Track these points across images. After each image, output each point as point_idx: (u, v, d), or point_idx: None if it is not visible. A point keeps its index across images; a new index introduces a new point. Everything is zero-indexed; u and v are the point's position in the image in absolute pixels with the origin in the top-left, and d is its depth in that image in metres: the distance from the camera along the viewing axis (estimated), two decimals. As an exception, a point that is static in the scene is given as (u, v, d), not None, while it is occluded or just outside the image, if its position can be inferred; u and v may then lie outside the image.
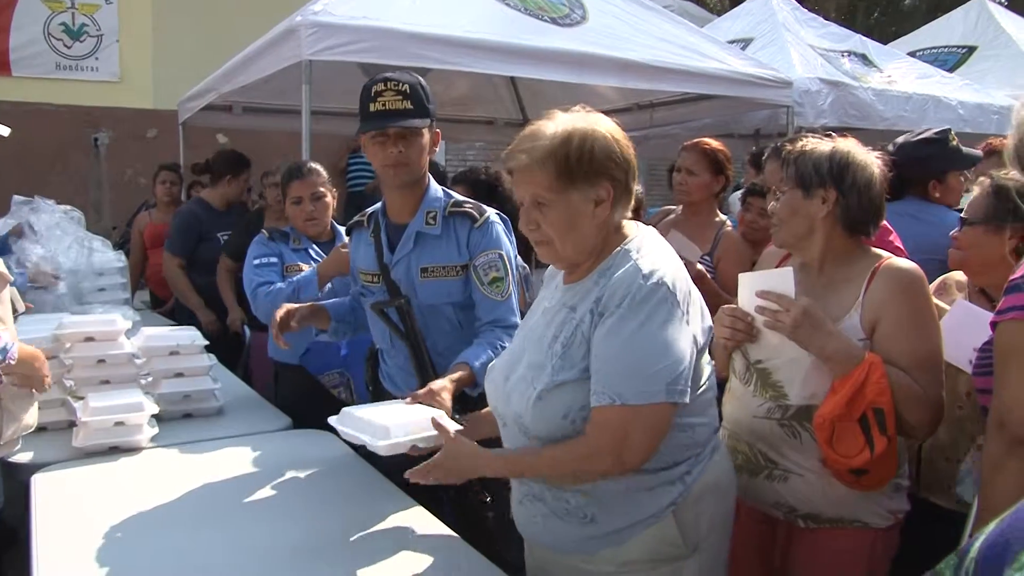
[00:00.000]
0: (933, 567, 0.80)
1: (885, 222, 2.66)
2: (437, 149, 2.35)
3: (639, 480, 1.61)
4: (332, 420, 1.89)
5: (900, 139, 3.29)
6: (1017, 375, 1.54)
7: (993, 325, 1.64)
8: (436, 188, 2.39)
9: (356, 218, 2.50)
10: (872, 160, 1.94)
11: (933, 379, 1.85)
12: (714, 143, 3.45)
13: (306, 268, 3.14)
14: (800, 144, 1.99)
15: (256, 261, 3.12)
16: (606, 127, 1.61)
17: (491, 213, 2.37)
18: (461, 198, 2.41)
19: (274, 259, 3.14)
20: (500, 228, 2.37)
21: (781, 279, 1.88)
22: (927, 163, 3.14)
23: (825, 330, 1.80)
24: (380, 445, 1.76)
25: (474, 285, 2.32)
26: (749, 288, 1.94)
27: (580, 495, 1.62)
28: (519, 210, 3.10)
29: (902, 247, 2.58)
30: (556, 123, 1.60)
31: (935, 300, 2.31)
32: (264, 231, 3.28)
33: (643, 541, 1.63)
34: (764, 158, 2.89)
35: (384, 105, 2.22)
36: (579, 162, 1.56)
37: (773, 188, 2.04)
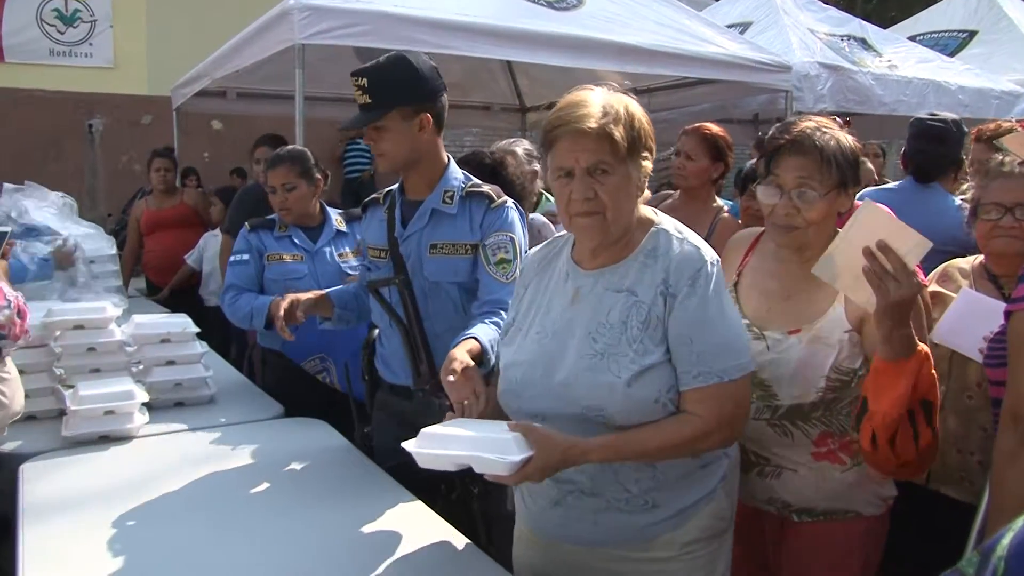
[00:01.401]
0: (950, 562, 0.77)
1: (888, 209, 2.59)
2: (427, 131, 2.26)
3: (697, 458, 1.64)
4: (412, 447, 1.54)
5: (934, 116, 3.25)
6: None
7: (1007, 315, 1.60)
8: (455, 169, 2.36)
9: (373, 196, 2.49)
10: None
11: None
12: (715, 128, 3.41)
13: (287, 257, 3.16)
14: (825, 134, 1.81)
15: (232, 258, 3.17)
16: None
17: (509, 200, 2.35)
18: (479, 181, 2.38)
19: (246, 256, 3.15)
20: (516, 215, 2.34)
21: (916, 246, 1.60)
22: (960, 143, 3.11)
23: (908, 321, 1.62)
24: (513, 461, 1.45)
25: (480, 264, 2.29)
26: (872, 225, 1.63)
27: (644, 481, 1.61)
28: (523, 195, 3.10)
29: None
30: (609, 96, 1.58)
31: (939, 288, 2.27)
32: (247, 223, 3.26)
33: (700, 519, 1.65)
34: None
35: (357, 101, 2.22)
36: (639, 133, 1.57)
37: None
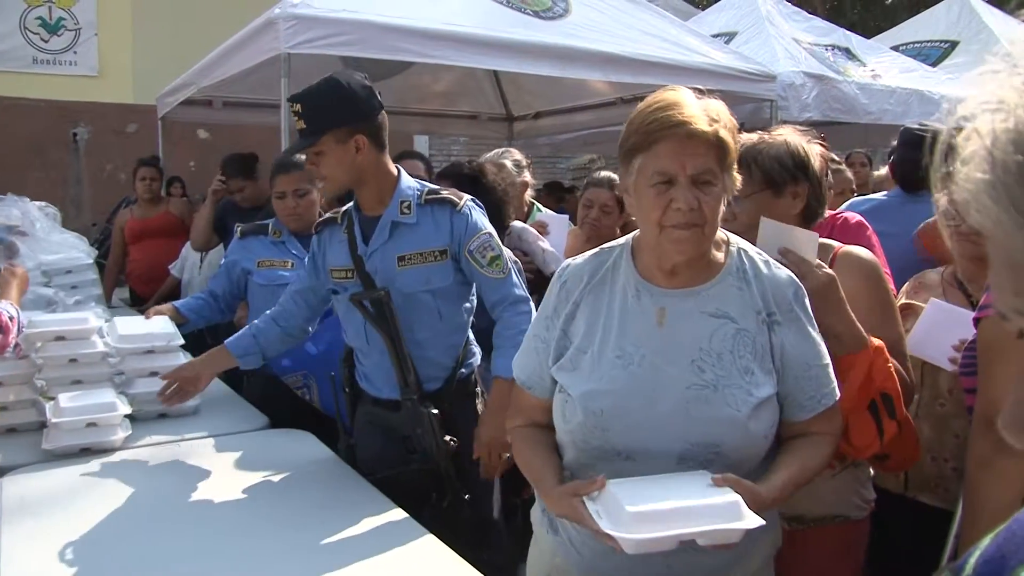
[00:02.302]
0: (928, 568, 0.77)
1: (862, 218, 2.64)
2: (364, 151, 2.22)
3: None
4: (618, 533, 1.29)
5: (923, 125, 3.29)
6: (1004, 370, 1.52)
7: (976, 322, 1.62)
8: (408, 178, 2.36)
9: (328, 215, 2.46)
10: (814, 146, 1.94)
11: (904, 362, 1.86)
12: None
13: (277, 264, 3.15)
14: (748, 142, 1.91)
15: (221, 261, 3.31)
16: None
17: (468, 198, 2.36)
18: (435, 186, 2.39)
19: (222, 261, 3.32)
20: (479, 211, 2.36)
21: (806, 241, 1.73)
22: None
23: (844, 309, 1.70)
24: (761, 524, 1.31)
25: (473, 270, 2.30)
26: (772, 237, 1.75)
27: None
28: (504, 201, 3.11)
29: (878, 244, 2.55)
30: (706, 99, 1.46)
31: (910, 300, 2.31)
32: (238, 230, 3.25)
33: (762, 548, 1.58)
34: None
35: (296, 127, 2.22)
36: (737, 143, 1.47)
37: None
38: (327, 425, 2.72)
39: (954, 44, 8.22)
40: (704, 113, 1.41)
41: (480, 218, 2.34)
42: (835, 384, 1.54)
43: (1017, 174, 0.42)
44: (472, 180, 3.07)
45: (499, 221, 3.12)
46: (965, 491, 1.63)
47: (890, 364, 1.70)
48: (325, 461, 2.42)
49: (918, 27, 8.82)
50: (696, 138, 1.39)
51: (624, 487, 1.37)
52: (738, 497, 1.33)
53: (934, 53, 8.18)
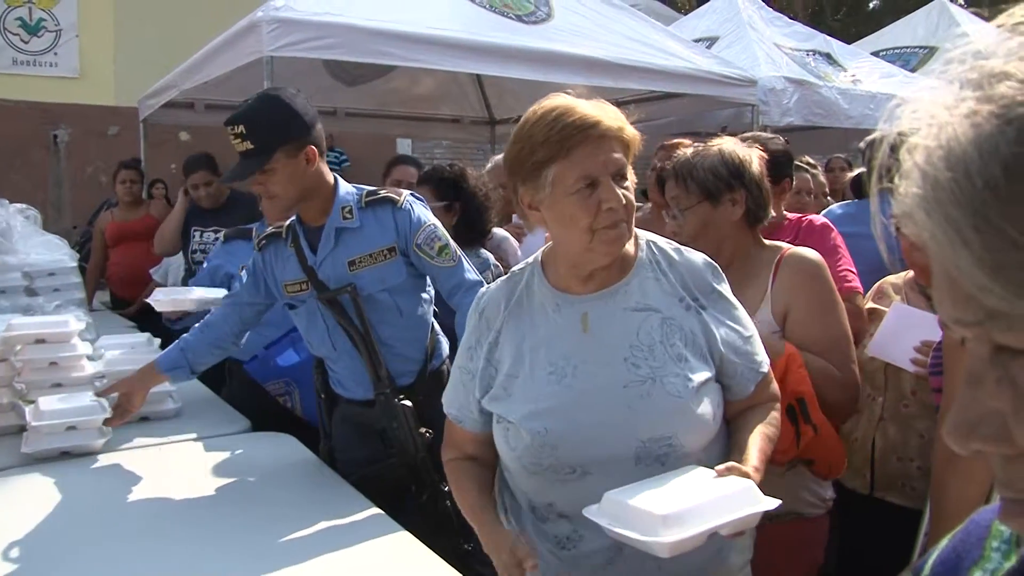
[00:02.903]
0: (897, 567, 0.79)
1: (827, 220, 2.68)
2: (314, 163, 2.22)
3: None
4: (656, 539, 1.23)
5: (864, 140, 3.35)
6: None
7: (943, 324, 1.65)
8: (345, 185, 2.36)
9: (271, 230, 2.43)
10: (753, 152, 1.99)
11: (847, 360, 1.90)
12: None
13: None
14: (684, 156, 1.99)
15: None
16: None
17: (408, 193, 2.37)
18: (373, 188, 2.39)
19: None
20: (421, 204, 2.37)
21: None
22: None
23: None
24: (777, 502, 1.34)
25: (424, 263, 2.31)
26: None
27: None
28: (486, 205, 3.11)
29: (842, 245, 2.59)
30: (595, 101, 1.47)
31: (875, 304, 2.35)
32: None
33: (743, 540, 1.55)
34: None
35: (237, 149, 2.18)
36: (637, 140, 1.49)
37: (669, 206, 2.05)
38: (308, 429, 2.73)
39: (933, 50, 8.32)
40: (603, 111, 1.43)
41: (423, 211, 2.35)
42: (764, 357, 1.56)
43: (949, 191, 0.43)
44: (454, 185, 3.08)
45: (481, 226, 3.13)
46: (932, 489, 1.66)
47: (804, 368, 1.75)
48: (306, 463, 2.43)
49: (897, 33, 8.93)
50: (609, 136, 1.42)
51: (629, 493, 1.31)
52: (750, 482, 1.33)
53: (912, 59, 8.28)
